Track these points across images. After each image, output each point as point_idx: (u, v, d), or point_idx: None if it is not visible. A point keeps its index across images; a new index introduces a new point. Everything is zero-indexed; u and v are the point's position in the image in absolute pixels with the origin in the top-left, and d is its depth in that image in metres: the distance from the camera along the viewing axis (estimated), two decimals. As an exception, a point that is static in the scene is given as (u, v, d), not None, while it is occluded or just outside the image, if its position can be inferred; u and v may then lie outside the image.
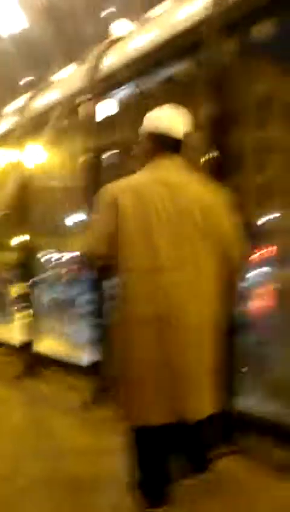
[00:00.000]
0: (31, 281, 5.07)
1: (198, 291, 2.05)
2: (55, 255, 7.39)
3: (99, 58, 3.91)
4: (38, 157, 5.41)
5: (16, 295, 5.47)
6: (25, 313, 4.89)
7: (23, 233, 5.01)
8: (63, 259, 7.34)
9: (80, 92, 4.00)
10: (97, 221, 2.14)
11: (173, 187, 2.13)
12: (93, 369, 3.79)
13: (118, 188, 2.14)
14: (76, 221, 7.05)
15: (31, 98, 4.96)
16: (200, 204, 2.11)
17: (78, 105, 4.00)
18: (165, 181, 2.14)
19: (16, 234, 5.21)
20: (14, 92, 6.05)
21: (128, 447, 2.05)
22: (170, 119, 2.22)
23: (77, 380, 4.07)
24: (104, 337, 3.78)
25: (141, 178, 2.20)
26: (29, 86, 5.73)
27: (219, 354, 2.08)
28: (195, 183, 2.20)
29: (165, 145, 2.18)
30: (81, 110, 3.94)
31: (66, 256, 7.33)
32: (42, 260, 6.59)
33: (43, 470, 2.57)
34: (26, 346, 4.77)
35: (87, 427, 3.23)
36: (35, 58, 5.72)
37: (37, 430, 3.21)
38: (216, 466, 2.26)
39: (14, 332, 5.28)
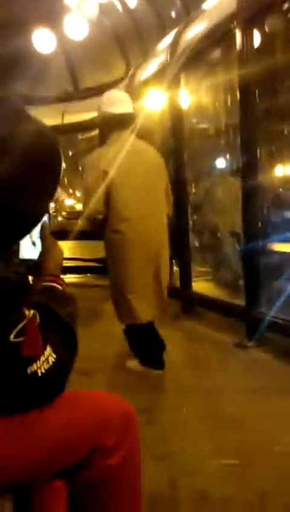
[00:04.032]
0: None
1: (162, 223, 3.10)
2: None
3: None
4: (192, 95, 5.25)
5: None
6: (180, 257, 4.96)
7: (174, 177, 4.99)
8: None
9: (231, 18, 3.71)
10: (92, 186, 2.92)
11: (139, 152, 3.01)
12: (246, 309, 3.75)
13: (102, 156, 2.95)
14: (225, 165, 6.82)
15: (180, 31, 4.78)
16: (155, 163, 3.11)
17: (229, 33, 3.74)
18: (133, 149, 2.95)
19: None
20: (165, 27, 5.90)
21: (129, 337, 3.18)
22: (120, 99, 3.04)
23: (231, 320, 4.09)
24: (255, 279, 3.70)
25: (115, 147, 2.96)
26: (179, 19, 5.51)
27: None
28: (148, 148, 3.13)
29: (121, 121, 2.99)
30: (234, 39, 3.67)
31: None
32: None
33: (203, 405, 2.69)
34: (184, 288, 4.89)
35: (242, 366, 3.28)
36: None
37: (195, 367, 3.32)
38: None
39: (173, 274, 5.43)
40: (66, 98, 8.08)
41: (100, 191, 2.91)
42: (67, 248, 8.44)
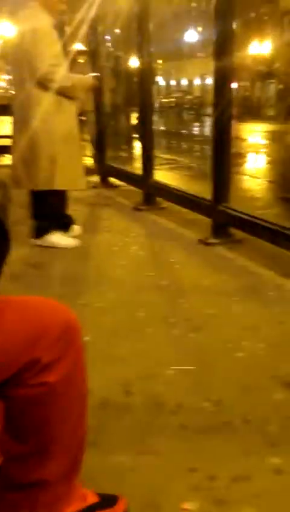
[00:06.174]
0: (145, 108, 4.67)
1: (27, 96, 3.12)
2: (172, 80, 6.72)
3: None
4: None
5: (134, 125, 5.12)
6: (143, 142, 4.61)
7: (139, 54, 4.46)
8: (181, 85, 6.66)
9: None
10: None
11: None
12: (213, 203, 3.54)
13: None
14: (199, 39, 6.17)
15: None
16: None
17: None
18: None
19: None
20: None
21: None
22: None
23: (195, 214, 3.90)
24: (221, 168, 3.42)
25: None
26: None
27: None
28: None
29: None
30: None
31: (184, 81, 6.63)
32: (159, 86, 5.99)
33: (162, 305, 2.54)
34: (145, 177, 4.59)
35: (205, 264, 3.13)
36: None
37: (156, 263, 3.16)
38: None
39: (133, 162, 5.10)
40: None
41: None
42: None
